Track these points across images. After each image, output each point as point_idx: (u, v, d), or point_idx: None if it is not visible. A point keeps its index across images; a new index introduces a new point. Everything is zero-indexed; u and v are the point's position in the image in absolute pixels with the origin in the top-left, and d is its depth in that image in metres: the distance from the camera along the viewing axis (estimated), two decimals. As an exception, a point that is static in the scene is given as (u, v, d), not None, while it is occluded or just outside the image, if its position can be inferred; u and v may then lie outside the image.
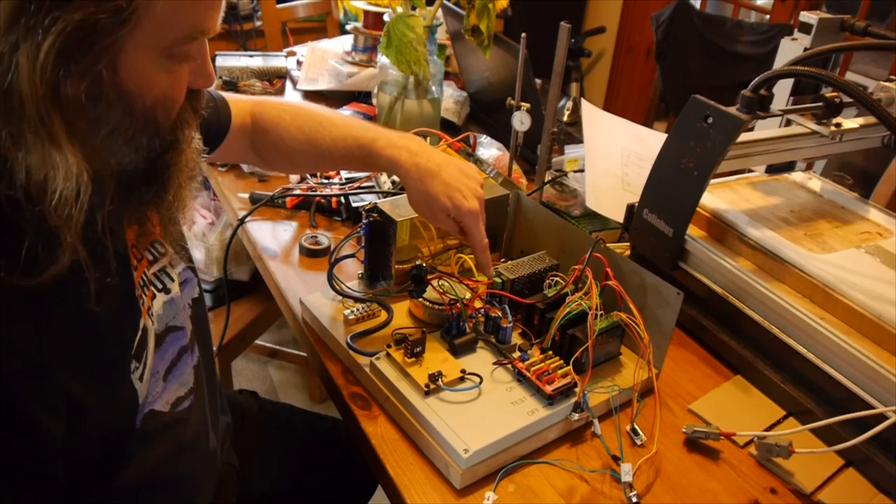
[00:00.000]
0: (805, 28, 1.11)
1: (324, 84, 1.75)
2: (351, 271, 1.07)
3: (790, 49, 1.13)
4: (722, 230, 1.03)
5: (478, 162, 1.22)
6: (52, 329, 0.58)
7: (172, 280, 0.79)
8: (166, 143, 0.64)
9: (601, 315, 0.85)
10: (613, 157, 1.29)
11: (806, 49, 1.10)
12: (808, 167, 1.40)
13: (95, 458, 0.65)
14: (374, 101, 1.57)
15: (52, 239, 0.54)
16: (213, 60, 1.65)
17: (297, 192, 1.24)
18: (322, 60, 1.80)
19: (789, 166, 1.22)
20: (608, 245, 1.03)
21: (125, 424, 0.68)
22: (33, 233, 0.54)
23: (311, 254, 1.14)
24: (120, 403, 0.67)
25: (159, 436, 0.72)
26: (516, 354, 0.86)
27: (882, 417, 0.76)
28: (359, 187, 1.24)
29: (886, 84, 1.06)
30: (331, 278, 0.96)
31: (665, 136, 0.98)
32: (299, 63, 1.86)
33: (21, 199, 0.53)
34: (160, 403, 0.72)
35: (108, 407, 0.64)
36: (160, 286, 0.76)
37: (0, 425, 0.55)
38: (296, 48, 1.97)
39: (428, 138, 1.37)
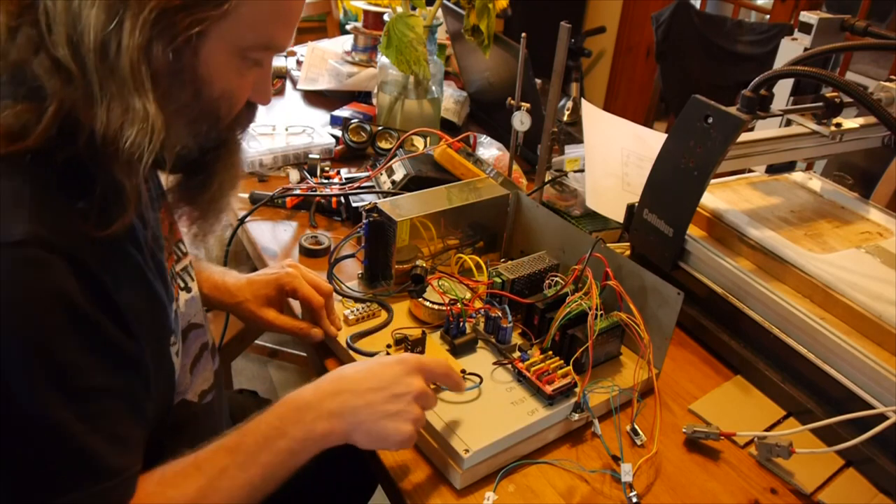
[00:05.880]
0: (805, 28, 1.11)
1: (324, 84, 1.75)
2: (351, 271, 1.07)
3: (790, 49, 1.13)
4: (722, 230, 1.03)
5: (478, 162, 1.22)
6: (121, 283, 0.62)
7: (192, 279, 0.83)
8: (221, 139, 0.68)
9: (601, 315, 0.85)
10: (613, 157, 1.29)
11: (806, 49, 1.10)
12: (809, 167, 1.40)
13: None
14: (374, 101, 1.57)
15: (121, 191, 0.60)
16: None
17: (297, 192, 1.24)
18: (322, 60, 1.80)
19: (789, 166, 1.22)
20: (608, 245, 1.03)
21: (165, 405, 0.73)
22: (104, 183, 0.59)
23: (311, 254, 1.14)
24: (164, 376, 0.70)
25: (187, 426, 0.75)
26: (516, 354, 0.86)
27: (882, 417, 0.76)
28: (359, 187, 1.24)
29: (886, 84, 1.06)
30: (331, 278, 0.96)
31: (665, 136, 0.98)
32: (299, 63, 1.86)
33: (97, 148, 0.58)
34: (190, 394, 0.79)
35: (157, 375, 0.68)
36: (183, 284, 0.80)
37: (101, 348, 0.59)
38: (296, 48, 1.97)
39: (428, 138, 1.38)
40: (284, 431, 0.68)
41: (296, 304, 0.96)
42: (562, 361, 0.85)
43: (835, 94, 1.01)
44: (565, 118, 2.24)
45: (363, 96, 1.72)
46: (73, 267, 0.56)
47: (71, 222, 0.58)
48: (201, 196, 0.70)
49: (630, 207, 1.07)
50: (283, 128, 1.44)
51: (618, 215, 1.15)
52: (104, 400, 0.60)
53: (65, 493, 0.57)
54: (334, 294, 0.94)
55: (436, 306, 0.92)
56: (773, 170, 1.21)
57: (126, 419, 0.62)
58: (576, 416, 0.81)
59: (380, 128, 1.44)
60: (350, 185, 1.25)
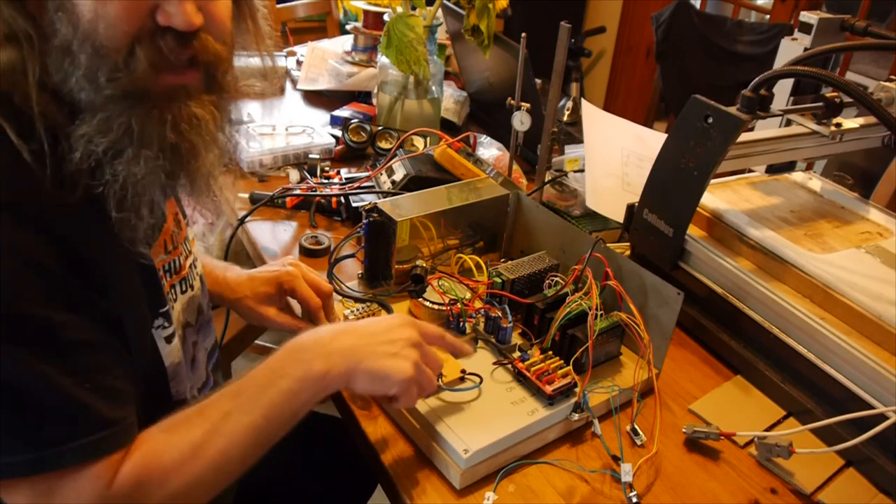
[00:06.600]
0: (805, 28, 1.11)
1: (324, 84, 1.75)
2: (351, 271, 1.07)
3: (790, 49, 1.13)
4: (722, 230, 1.03)
5: (478, 162, 1.22)
6: (95, 248, 0.62)
7: (195, 278, 0.83)
8: (125, 84, 0.59)
9: (601, 315, 0.85)
10: (613, 157, 1.29)
11: (806, 49, 1.10)
12: (809, 167, 1.40)
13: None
14: (374, 101, 1.57)
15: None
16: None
17: (297, 192, 1.24)
18: (322, 60, 1.80)
19: (789, 166, 1.22)
20: (608, 245, 1.03)
21: (165, 398, 0.74)
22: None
23: (311, 254, 1.14)
24: (146, 354, 0.71)
25: None
26: (516, 354, 0.86)
27: (882, 417, 0.76)
28: (359, 187, 1.24)
29: (886, 84, 1.06)
30: (331, 278, 0.96)
31: (665, 136, 0.98)
32: (299, 63, 1.86)
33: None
34: (189, 391, 0.81)
35: (141, 348, 0.69)
36: (188, 281, 0.80)
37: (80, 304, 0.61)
38: (296, 48, 1.97)
39: (428, 138, 1.38)
40: (284, 372, 0.69)
41: (296, 303, 0.96)
42: (562, 361, 0.85)
43: (835, 94, 1.01)
44: (565, 118, 2.24)
45: (363, 96, 1.72)
46: (42, 232, 0.57)
47: (41, 189, 0.58)
48: (135, 161, 0.62)
49: (630, 207, 1.07)
50: (283, 128, 1.44)
51: (618, 215, 1.15)
52: (87, 354, 0.60)
53: (58, 444, 0.57)
54: (334, 294, 0.94)
55: (436, 306, 0.92)
56: (773, 170, 1.21)
57: (113, 372, 0.63)
58: (576, 416, 0.81)
59: (380, 128, 1.44)
60: (350, 185, 1.25)
